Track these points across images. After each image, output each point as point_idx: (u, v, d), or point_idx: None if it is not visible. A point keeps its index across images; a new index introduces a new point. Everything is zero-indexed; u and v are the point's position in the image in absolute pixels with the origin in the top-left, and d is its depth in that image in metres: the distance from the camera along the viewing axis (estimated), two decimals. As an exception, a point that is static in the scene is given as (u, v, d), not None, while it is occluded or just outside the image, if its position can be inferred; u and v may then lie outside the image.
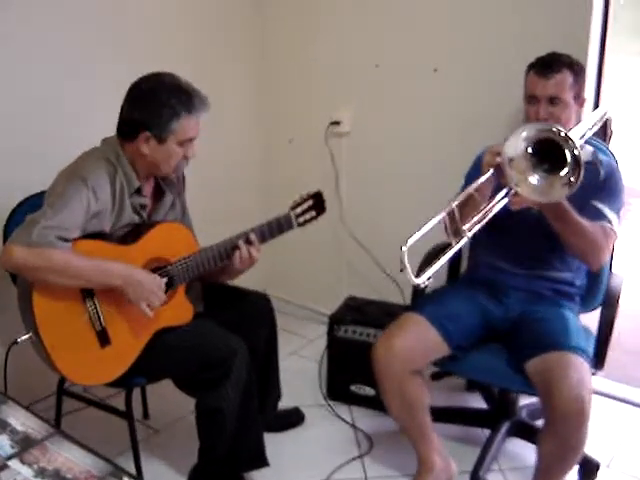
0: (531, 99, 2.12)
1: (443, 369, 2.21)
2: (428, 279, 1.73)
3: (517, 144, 1.78)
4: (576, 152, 1.71)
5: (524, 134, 1.78)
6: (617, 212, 2.08)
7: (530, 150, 1.78)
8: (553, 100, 2.07)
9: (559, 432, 1.86)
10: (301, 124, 3.25)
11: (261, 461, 2.15)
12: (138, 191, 1.99)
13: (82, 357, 1.87)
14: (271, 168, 3.43)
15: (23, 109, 2.43)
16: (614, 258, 2.30)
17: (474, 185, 1.85)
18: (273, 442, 2.44)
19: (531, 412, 2.42)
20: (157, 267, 1.99)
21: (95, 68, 2.63)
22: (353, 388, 2.66)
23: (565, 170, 1.74)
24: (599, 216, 2.05)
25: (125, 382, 2.02)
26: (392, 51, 2.85)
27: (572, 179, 1.74)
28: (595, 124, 2.16)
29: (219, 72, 3.14)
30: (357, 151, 3.05)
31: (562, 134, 1.72)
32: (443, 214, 1.78)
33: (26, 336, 1.82)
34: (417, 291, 2.28)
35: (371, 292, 2.88)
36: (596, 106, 2.51)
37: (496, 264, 2.24)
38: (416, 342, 2.05)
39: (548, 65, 2.09)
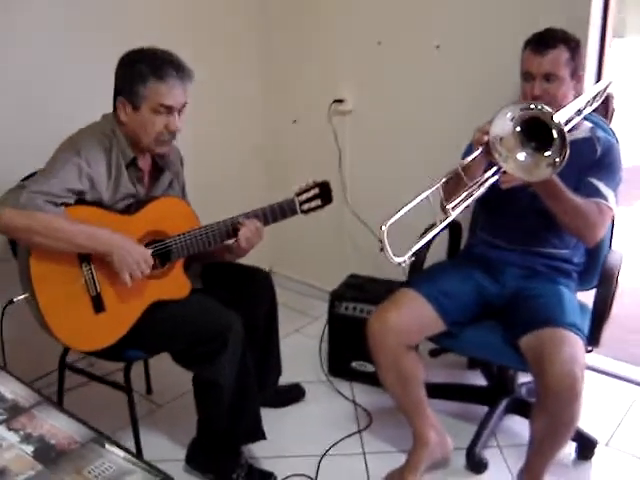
0: (527, 76, 2.09)
1: (439, 345, 2.21)
2: (409, 258, 1.72)
3: (504, 123, 1.76)
4: (562, 132, 1.67)
5: (508, 114, 1.75)
6: (614, 189, 2.06)
7: (519, 128, 1.76)
8: (548, 77, 2.04)
9: (550, 408, 1.86)
10: (305, 104, 3.24)
11: (258, 434, 2.17)
12: (134, 163, 2.01)
13: (75, 321, 1.91)
14: (276, 149, 3.44)
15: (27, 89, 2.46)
16: (614, 235, 2.29)
17: (462, 163, 1.85)
18: (273, 417, 2.49)
19: (530, 390, 2.41)
20: (155, 240, 2.01)
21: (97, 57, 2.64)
22: (354, 365, 2.68)
23: (550, 150, 1.72)
24: (594, 193, 2.03)
25: (123, 355, 2.05)
26: (394, 28, 2.83)
27: (557, 160, 1.70)
28: (594, 100, 2.14)
29: (222, 53, 3.15)
30: (361, 129, 3.04)
31: (548, 113, 1.69)
32: (427, 193, 1.77)
33: (22, 296, 1.86)
34: (414, 267, 2.28)
35: (375, 270, 2.88)
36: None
37: (493, 241, 2.24)
38: (411, 317, 2.06)
39: (543, 41, 2.05)
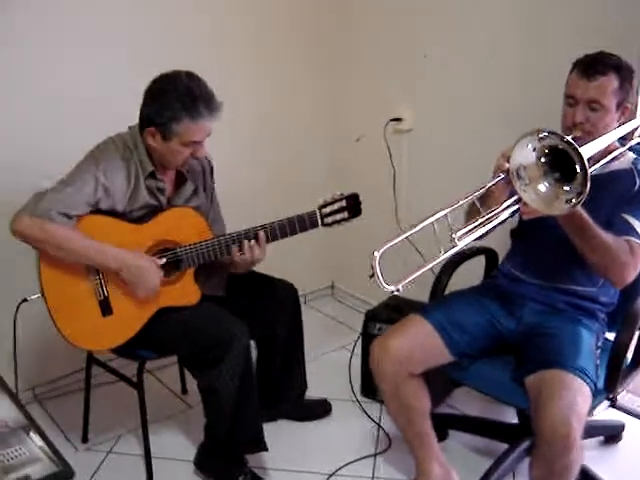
0: (570, 100, 1.97)
1: (448, 376, 2.13)
2: (404, 287, 1.69)
3: (526, 151, 1.68)
4: (585, 168, 1.57)
5: (529, 145, 1.67)
6: (651, 227, 1.91)
7: (543, 159, 1.67)
8: (592, 104, 1.91)
9: (544, 455, 1.76)
10: (364, 122, 3.25)
11: (259, 446, 2.21)
12: (153, 175, 2.10)
13: (83, 322, 2.03)
14: (334, 167, 3.48)
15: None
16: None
17: (479, 191, 1.78)
18: (294, 430, 2.55)
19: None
20: (166, 248, 2.10)
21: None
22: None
23: (571, 185, 1.62)
24: (627, 230, 1.89)
25: (136, 354, 2.16)
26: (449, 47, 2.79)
27: (573, 199, 1.61)
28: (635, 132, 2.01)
29: (285, 72, 3.23)
30: (419, 149, 2.99)
31: (572, 146, 1.58)
32: (430, 220, 1.73)
33: (35, 295, 2.00)
34: (434, 294, 2.23)
35: (422, 294, 2.82)
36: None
37: (514, 273, 2.14)
38: (414, 344, 2.01)
39: (592, 65, 1.92)
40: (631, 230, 1.89)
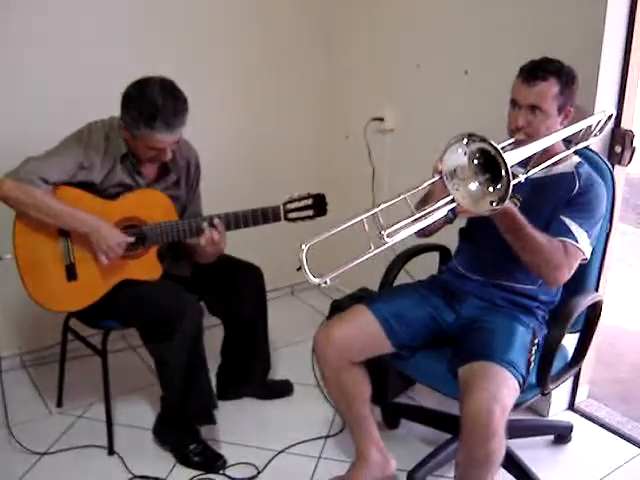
0: (513, 103, 2.05)
1: (389, 365, 2.21)
2: (331, 280, 1.74)
3: (457, 154, 1.75)
4: (508, 172, 1.61)
5: (459, 149, 1.73)
6: (588, 230, 1.96)
7: (475, 160, 1.74)
8: (534, 109, 1.99)
9: (466, 442, 1.82)
10: (349, 120, 3.35)
11: (207, 419, 2.35)
12: (127, 157, 2.24)
13: (49, 284, 2.19)
14: (321, 163, 3.58)
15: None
16: (601, 276, 2.19)
17: (411, 191, 1.86)
18: (254, 408, 2.68)
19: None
20: (132, 225, 2.24)
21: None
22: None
23: (496, 187, 1.69)
24: (563, 231, 1.96)
25: (101, 324, 2.32)
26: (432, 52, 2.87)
27: (494, 201, 1.67)
28: (589, 134, 2.06)
29: (274, 70, 3.36)
30: (400, 149, 3.07)
31: (496, 149, 1.63)
32: (362, 217, 1.79)
33: (9, 255, 2.16)
34: (382, 285, 2.32)
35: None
36: (617, 122, 2.34)
37: (459, 270, 2.21)
38: (356, 333, 2.08)
39: (533, 71, 1.99)
40: (567, 232, 1.95)
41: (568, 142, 2.09)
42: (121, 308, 2.25)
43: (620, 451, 2.46)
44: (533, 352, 1.99)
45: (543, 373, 1.97)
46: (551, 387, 2.03)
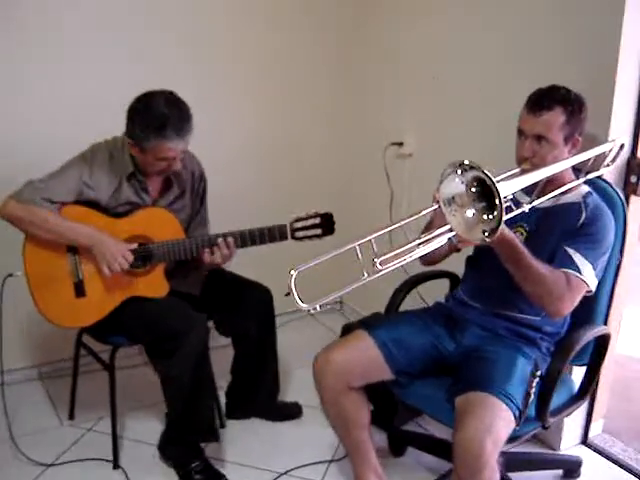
0: (520, 133, 2.03)
1: (391, 390, 2.19)
2: (321, 307, 1.78)
3: (454, 182, 1.74)
4: (501, 202, 1.60)
5: (455, 177, 1.72)
6: (592, 262, 1.93)
7: (473, 188, 1.73)
8: (540, 139, 1.97)
9: (458, 473, 1.81)
10: (367, 144, 3.37)
11: (210, 436, 2.37)
12: (135, 176, 2.29)
13: (59, 301, 2.25)
14: (339, 185, 3.60)
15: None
16: (610, 309, 2.14)
17: (409, 219, 1.87)
18: (261, 428, 2.68)
19: (509, 461, 2.29)
20: (140, 243, 2.28)
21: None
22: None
23: (490, 215, 1.68)
24: (566, 263, 1.93)
25: (108, 340, 2.37)
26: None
27: (487, 231, 1.66)
28: (601, 164, 2.03)
29: (295, 92, 3.40)
30: (419, 174, 3.05)
31: (490, 179, 1.63)
32: (354, 244, 1.81)
33: (20, 272, 2.22)
34: (387, 311, 2.31)
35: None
36: (633, 151, 2.29)
37: (463, 298, 2.19)
38: (355, 358, 2.07)
39: (539, 101, 1.97)
40: (571, 263, 1.92)
41: (578, 171, 2.07)
42: (128, 325, 2.29)
43: (632, 490, 2.39)
44: (534, 384, 1.95)
45: (542, 406, 1.93)
46: (552, 420, 1.99)
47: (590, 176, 2.07)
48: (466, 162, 1.69)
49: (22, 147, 2.73)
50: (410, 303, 2.39)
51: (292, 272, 1.76)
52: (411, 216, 1.89)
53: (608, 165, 2.14)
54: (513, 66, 2.58)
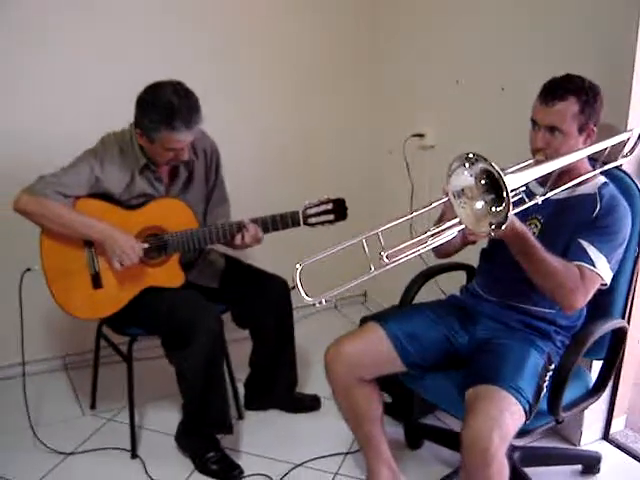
0: (533, 124, 2.00)
1: (403, 382, 2.19)
2: (327, 300, 1.79)
3: (463, 175, 1.72)
4: (508, 194, 1.58)
5: (463, 170, 1.70)
6: (607, 254, 1.89)
7: (483, 180, 1.71)
8: (553, 129, 1.93)
9: (466, 467, 1.79)
10: (390, 136, 3.33)
11: (223, 427, 2.40)
12: (147, 167, 2.31)
13: (76, 293, 2.29)
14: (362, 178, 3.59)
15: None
16: (628, 303, 2.09)
17: (418, 212, 1.88)
18: (279, 420, 2.71)
19: (525, 456, 2.27)
20: (154, 233, 2.32)
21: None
22: (377, 393, 2.71)
23: (498, 208, 1.65)
24: (580, 256, 1.89)
25: (126, 331, 2.41)
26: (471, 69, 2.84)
27: (494, 223, 1.64)
28: (605, 156, 1.98)
29: (318, 84, 3.40)
30: (441, 166, 3.01)
31: (497, 171, 1.61)
32: (360, 238, 1.83)
33: (38, 266, 2.27)
34: (401, 304, 2.30)
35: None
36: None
37: (477, 291, 2.17)
38: (366, 351, 2.07)
39: (552, 91, 1.93)
40: (584, 256, 1.89)
41: (595, 162, 2.03)
42: (144, 316, 2.33)
43: (653, 486, 2.35)
44: (546, 378, 1.93)
45: (554, 400, 1.90)
46: (565, 415, 1.95)
47: (607, 167, 2.03)
48: (472, 154, 1.68)
49: (32, 143, 2.78)
50: (431, 295, 2.38)
51: (297, 266, 1.77)
52: (421, 209, 1.88)
53: (626, 155, 2.09)
54: (531, 59, 2.52)
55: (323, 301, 1.80)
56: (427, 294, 2.37)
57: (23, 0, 2.69)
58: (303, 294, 1.78)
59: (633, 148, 2.10)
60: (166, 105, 2.15)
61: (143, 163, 2.30)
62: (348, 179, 3.45)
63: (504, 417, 1.75)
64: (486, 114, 2.76)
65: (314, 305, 1.81)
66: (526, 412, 1.80)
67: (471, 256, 2.26)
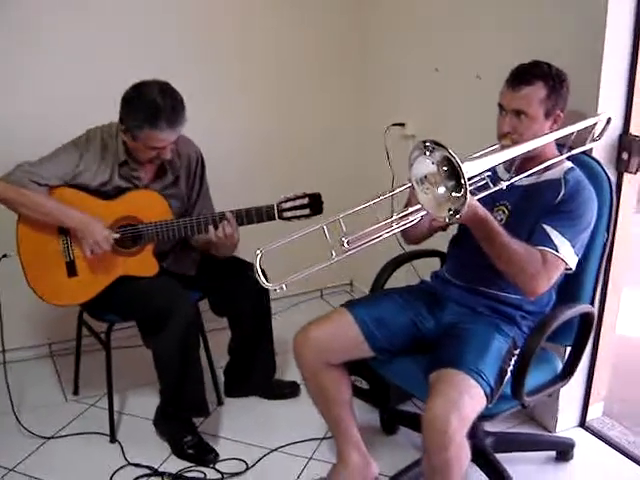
0: (500, 109, 2.01)
1: (371, 367, 2.20)
2: (287, 285, 1.83)
3: (425, 163, 1.73)
4: (465, 180, 1.60)
5: (423, 157, 1.71)
6: (571, 239, 1.89)
7: (445, 167, 1.71)
8: (519, 114, 1.94)
9: (426, 449, 1.81)
10: (370, 125, 3.35)
11: (200, 410, 2.44)
12: (126, 164, 2.35)
13: (50, 280, 2.33)
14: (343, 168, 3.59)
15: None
16: (596, 289, 2.11)
17: (378, 199, 1.91)
18: (258, 406, 2.74)
19: (498, 441, 2.28)
20: (129, 224, 2.35)
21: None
22: (352, 379, 2.70)
23: (456, 194, 1.67)
24: (543, 240, 1.90)
25: (103, 317, 2.44)
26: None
27: (452, 209, 1.67)
28: (572, 140, 1.99)
29: (304, 76, 3.42)
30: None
31: (455, 158, 1.62)
32: (321, 225, 1.86)
33: (14, 252, 2.31)
34: (372, 289, 2.31)
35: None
36: (626, 128, 2.23)
37: (446, 276, 2.18)
38: (333, 336, 2.08)
39: (519, 76, 1.95)
40: (547, 240, 1.89)
41: (563, 148, 2.03)
42: (119, 303, 2.36)
43: (626, 473, 2.35)
44: (511, 362, 1.94)
45: (517, 384, 1.91)
46: (529, 399, 1.96)
47: (574, 152, 2.03)
48: (428, 142, 1.69)
49: (17, 135, 2.81)
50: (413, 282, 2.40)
51: (257, 252, 1.80)
52: (380, 196, 1.92)
53: (595, 140, 2.10)
54: (504, 46, 2.52)
55: (284, 287, 1.83)
56: (409, 282, 2.40)
57: (22, 0, 2.74)
58: (263, 280, 1.82)
59: (602, 133, 2.10)
60: (151, 104, 2.18)
61: (123, 159, 2.33)
62: (331, 172, 3.46)
63: (463, 400, 1.76)
64: (463, 102, 2.76)
65: (275, 291, 1.84)
66: (487, 395, 1.82)
67: (445, 243, 2.27)
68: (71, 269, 2.33)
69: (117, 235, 2.30)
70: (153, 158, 2.33)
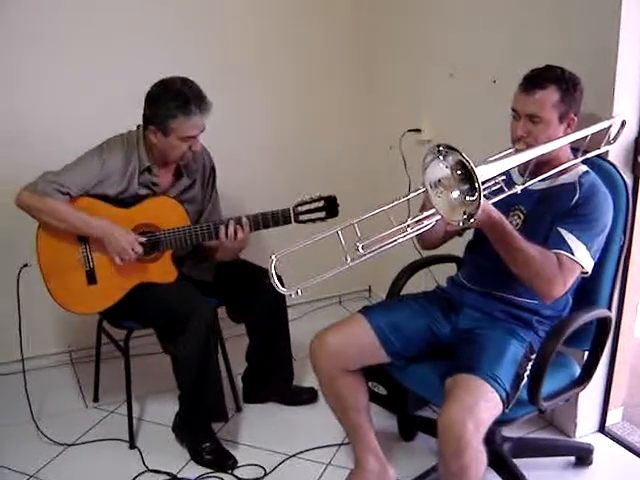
0: (514, 113, 2.02)
1: (387, 373, 2.21)
2: (302, 291, 1.83)
3: (438, 167, 1.73)
4: (479, 185, 1.61)
5: (437, 161, 1.72)
6: (587, 242, 1.89)
7: (459, 171, 1.72)
8: (533, 118, 1.94)
9: (442, 454, 1.81)
10: (385, 132, 3.36)
11: (219, 416, 2.45)
12: (149, 170, 2.38)
13: (71, 288, 2.38)
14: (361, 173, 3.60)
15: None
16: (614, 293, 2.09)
17: (392, 204, 1.91)
18: (276, 412, 2.76)
19: (516, 446, 2.28)
20: (147, 231, 2.38)
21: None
22: (370, 385, 2.72)
23: (470, 198, 1.68)
24: (559, 244, 1.90)
25: (122, 324, 2.47)
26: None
27: (466, 213, 1.67)
28: (586, 144, 1.98)
29: (318, 80, 3.44)
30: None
31: (469, 162, 1.63)
32: (336, 230, 1.86)
33: (34, 262, 2.35)
34: (388, 295, 2.32)
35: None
36: (640, 129, 2.22)
37: (462, 282, 2.18)
38: (349, 342, 2.09)
39: (532, 80, 1.95)
40: (563, 244, 1.89)
41: (578, 152, 2.03)
42: (138, 309, 2.39)
43: (645, 478, 2.33)
44: (527, 367, 1.94)
45: (533, 389, 1.90)
46: (546, 404, 1.95)
47: (588, 155, 2.03)
48: (442, 147, 1.70)
49: (36, 141, 2.86)
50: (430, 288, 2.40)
51: (272, 257, 1.81)
52: (395, 202, 1.91)
53: (610, 143, 2.09)
54: (519, 52, 2.52)
55: (299, 292, 1.83)
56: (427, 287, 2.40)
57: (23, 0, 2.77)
58: (278, 285, 1.82)
59: (617, 136, 2.10)
60: (178, 94, 2.27)
61: (147, 165, 2.37)
62: (345, 176, 3.48)
63: (479, 405, 1.76)
64: (479, 107, 2.76)
65: (291, 296, 1.85)
66: (503, 400, 1.81)
67: (461, 248, 2.27)
68: (91, 277, 2.36)
69: (143, 239, 2.33)
70: (184, 154, 2.37)
